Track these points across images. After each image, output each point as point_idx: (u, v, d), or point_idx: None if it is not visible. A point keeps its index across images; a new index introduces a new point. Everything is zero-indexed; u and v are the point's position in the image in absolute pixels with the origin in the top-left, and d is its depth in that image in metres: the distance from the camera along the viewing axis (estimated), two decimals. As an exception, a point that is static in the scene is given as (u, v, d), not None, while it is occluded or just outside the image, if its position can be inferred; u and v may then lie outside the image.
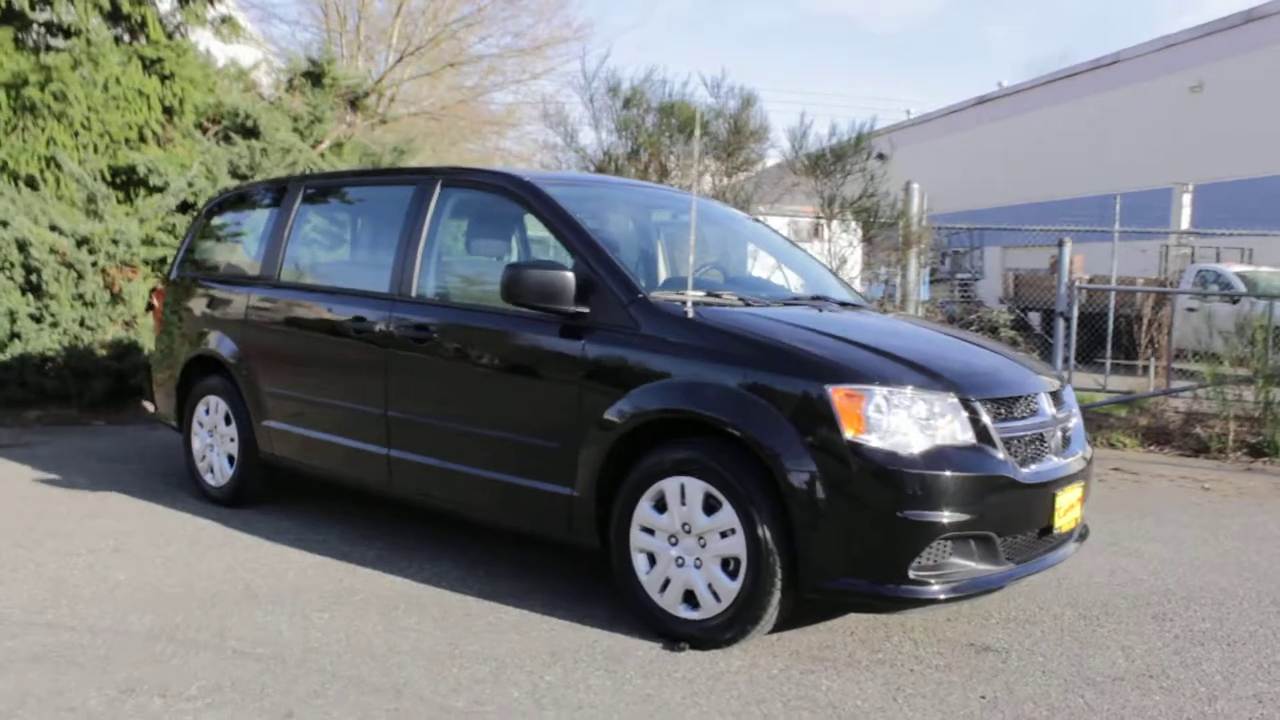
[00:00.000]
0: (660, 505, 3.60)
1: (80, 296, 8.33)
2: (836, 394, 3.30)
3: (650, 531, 3.63)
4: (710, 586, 3.50)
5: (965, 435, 3.39)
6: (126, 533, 4.87)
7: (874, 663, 3.50)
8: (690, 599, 3.55)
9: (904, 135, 18.69)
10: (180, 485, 5.88)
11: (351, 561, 4.49)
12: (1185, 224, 16.64)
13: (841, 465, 3.27)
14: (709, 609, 3.51)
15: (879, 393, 3.32)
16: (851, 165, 10.67)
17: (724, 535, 3.46)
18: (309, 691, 3.09)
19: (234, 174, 10.08)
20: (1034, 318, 16.06)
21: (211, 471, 5.48)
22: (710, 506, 3.49)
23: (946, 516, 3.27)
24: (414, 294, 4.41)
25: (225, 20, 11.53)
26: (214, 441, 5.47)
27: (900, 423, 3.31)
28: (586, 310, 3.79)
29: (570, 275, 3.77)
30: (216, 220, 5.90)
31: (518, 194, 4.27)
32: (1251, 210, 17.18)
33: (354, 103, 12.97)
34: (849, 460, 3.26)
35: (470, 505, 4.26)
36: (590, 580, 4.25)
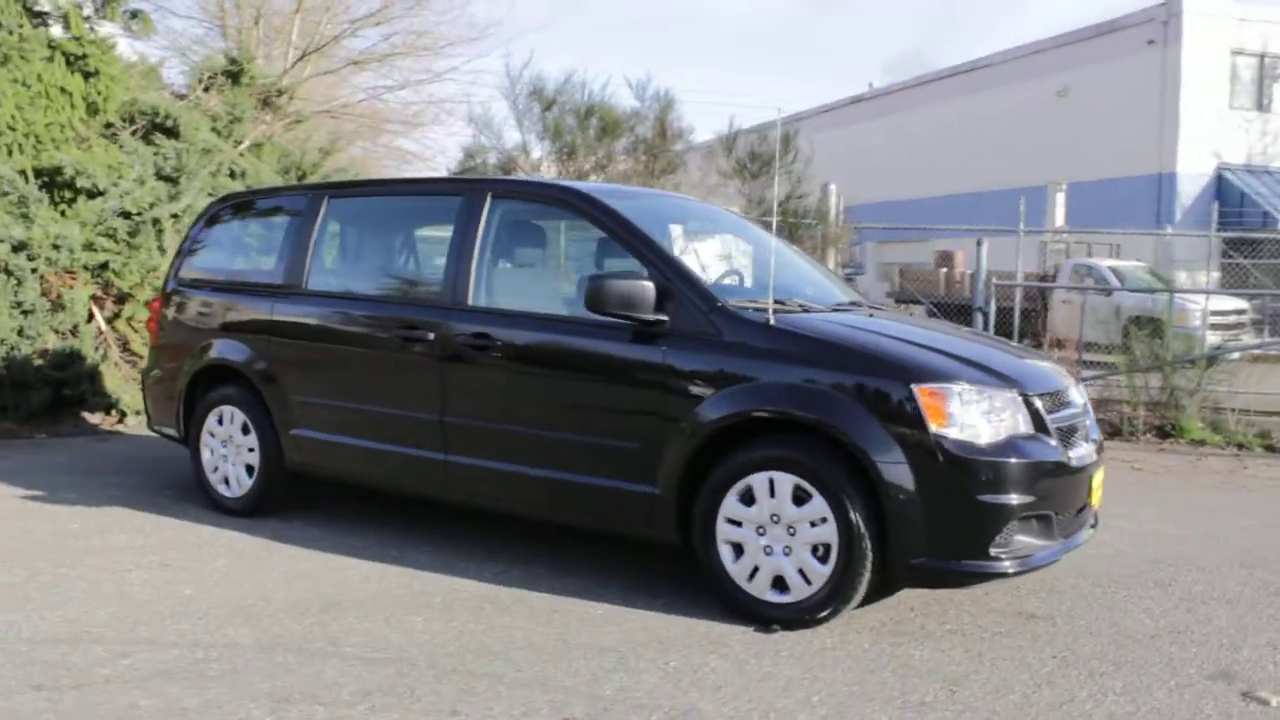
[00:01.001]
0: (747, 499, 3.87)
1: (18, 304, 7.99)
2: (922, 392, 3.64)
3: (737, 523, 3.89)
4: (801, 571, 3.79)
5: (1026, 426, 3.79)
6: (158, 547, 4.81)
7: (946, 633, 3.86)
8: (779, 584, 3.84)
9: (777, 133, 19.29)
10: (181, 497, 5.79)
11: (406, 565, 4.57)
12: (1060, 221, 17.86)
13: (928, 456, 3.61)
14: (799, 592, 3.80)
15: (957, 390, 3.68)
16: (776, 169, 11.14)
17: (814, 524, 3.75)
18: (459, 690, 3.23)
19: (159, 176, 9.79)
20: (919, 310, 16.99)
21: (226, 483, 5.43)
22: (799, 498, 3.78)
23: (1017, 499, 3.65)
24: (470, 303, 4.53)
25: (135, 15, 11.13)
26: (228, 452, 5.42)
27: (975, 417, 3.68)
28: (665, 318, 4.02)
29: (651, 285, 3.99)
30: (218, 228, 5.83)
31: (578, 206, 4.46)
32: (1115, 208, 18.57)
33: (265, 102, 12.68)
34: (935, 452, 3.60)
35: (538, 507, 4.43)
36: (652, 571, 4.48)
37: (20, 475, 6.33)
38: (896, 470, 3.62)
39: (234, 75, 11.54)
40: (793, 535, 3.80)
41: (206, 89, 11.30)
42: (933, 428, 3.62)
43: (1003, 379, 3.83)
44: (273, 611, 3.95)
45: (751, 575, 3.88)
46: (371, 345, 4.85)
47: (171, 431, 5.80)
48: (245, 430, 5.34)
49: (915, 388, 3.65)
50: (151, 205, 8.96)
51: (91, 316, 8.54)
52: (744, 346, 3.92)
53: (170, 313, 5.79)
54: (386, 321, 4.78)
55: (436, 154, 19.18)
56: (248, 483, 5.35)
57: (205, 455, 5.54)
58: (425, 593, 4.22)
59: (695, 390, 3.96)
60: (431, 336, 4.57)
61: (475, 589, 4.28)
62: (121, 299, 8.82)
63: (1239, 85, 19.53)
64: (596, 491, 4.18)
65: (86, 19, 10.17)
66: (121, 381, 8.59)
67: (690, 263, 4.74)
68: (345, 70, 16.17)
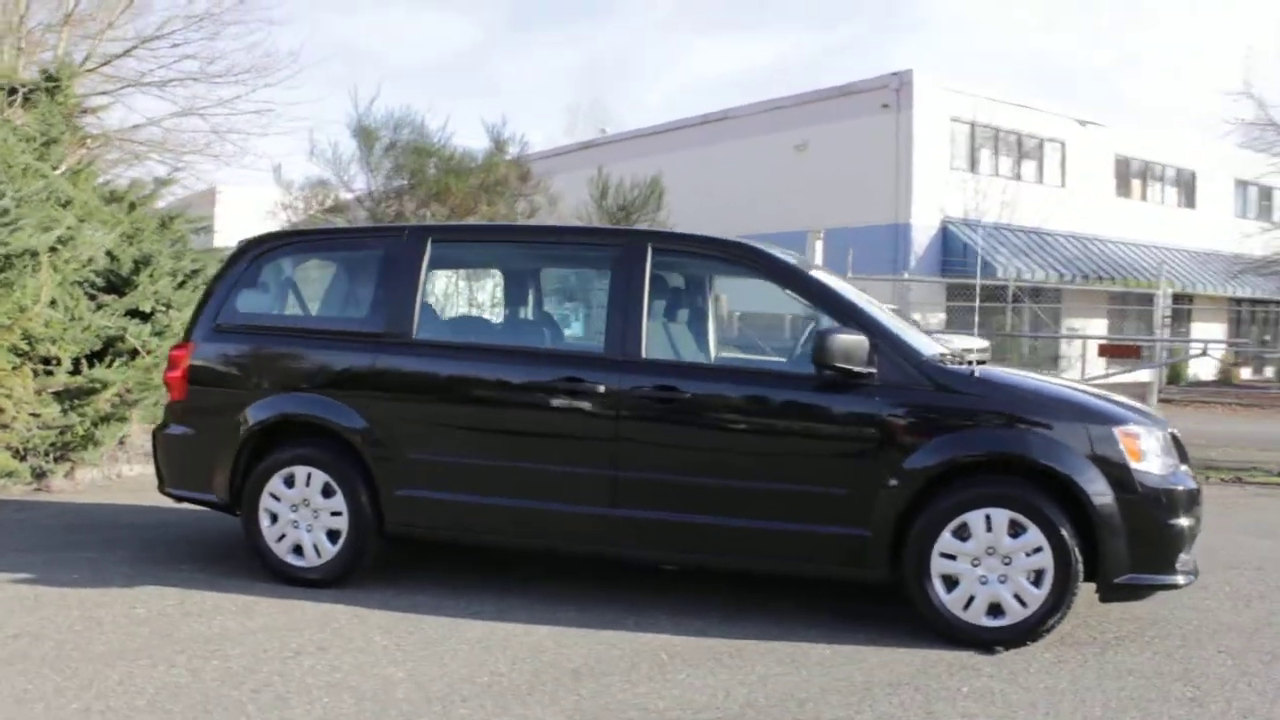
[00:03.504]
0: (961, 534, 4.24)
1: (-127, 354, 6.69)
2: (1121, 433, 4.21)
3: (951, 557, 4.25)
4: (1016, 596, 4.21)
5: (1176, 459, 4.46)
6: (287, 628, 4.33)
7: (1119, 640, 4.42)
8: (993, 610, 4.23)
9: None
10: (208, 566, 5.25)
11: (578, 626, 4.44)
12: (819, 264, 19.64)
13: (1129, 489, 4.17)
14: (1015, 615, 4.21)
15: (1142, 431, 4.28)
16: (641, 216, 11.54)
17: (1029, 554, 4.19)
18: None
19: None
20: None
21: (299, 551, 4.95)
22: (1013, 531, 4.20)
23: (1187, 521, 4.30)
24: (644, 356, 4.54)
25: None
26: (300, 518, 4.94)
27: (1155, 453, 4.29)
28: (874, 370, 4.31)
29: (866, 340, 4.27)
30: (268, 269, 5.27)
31: (758, 264, 4.64)
32: (861, 254, 20.63)
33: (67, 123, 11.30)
34: (1134, 484, 4.18)
35: (730, 556, 4.51)
36: (821, 606, 4.71)
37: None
38: (1107, 501, 4.15)
39: (50, 91, 10.22)
40: (1008, 564, 4.21)
41: (25, 104, 9.91)
42: (1132, 464, 4.19)
43: (1157, 421, 4.49)
44: (526, 686, 3.76)
45: (967, 604, 4.24)
46: (518, 400, 4.69)
47: (209, 497, 5.18)
48: (327, 493, 4.92)
49: (1116, 430, 4.22)
50: None
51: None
52: (954, 395, 4.30)
53: (208, 363, 5.19)
54: (539, 375, 4.65)
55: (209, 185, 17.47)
56: (331, 550, 4.92)
57: (265, 522, 5.02)
58: (645, 650, 4.16)
59: (911, 438, 4.28)
60: (602, 389, 4.53)
61: (690, 643, 4.24)
62: (-18, 346, 7.58)
63: (956, 149, 22.54)
64: (803, 537, 4.36)
65: None
66: (-21, 443, 7.39)
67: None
68: (127, 95, 14.53)
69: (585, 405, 4.56)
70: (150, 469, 8.24)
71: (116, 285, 9.12)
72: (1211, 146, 26.14)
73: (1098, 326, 22.09)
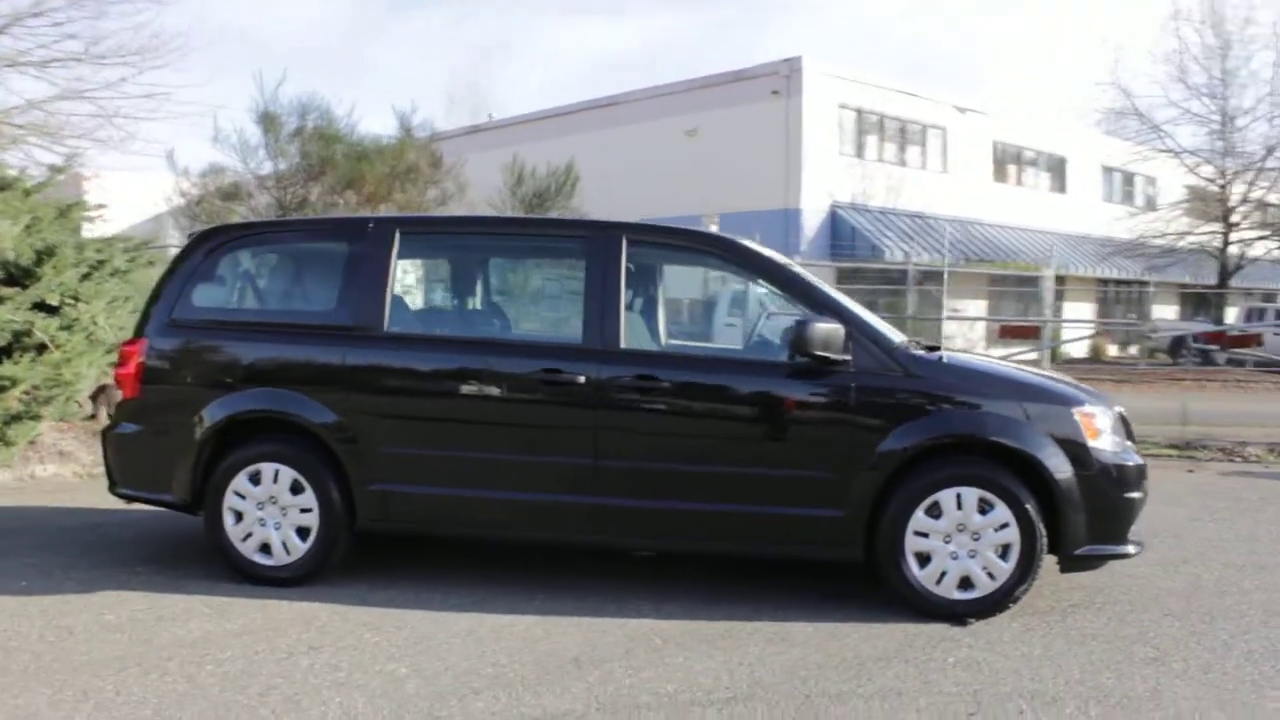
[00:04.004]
0: (933, 512, 4.45)
1: None
2: (1079, 413, 4.49)
3: (923, 535, 4.46)
4: (986, 570, 4.45)
5: (1124, 437, 4.78)
6: (271, 629, 4.24)
7: (1074, 608, 4.72)
8: (963, 584, 4.47)
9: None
10: (161, 570, 5.10)
11: (569, 615, 4.48)
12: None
13: (1088, 465, 4.46)
14: (985, 588, 4.45)
15: (1097, 411, 4.57)
16: (555, 203, 11.51)
17: (997, 529, 4.43)
18: (866, 704, 3.49)
19: None
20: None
21: (267, 550, 4.84)
22: (982, 508, 4.44)
23: (1138, 494, 4.63)
24: (624, 346, 4.60)
25: None
26: (267, 515, 4.83)
27: (1108, 432, 4.59)
28: (850, 358, 4.48)
29: (843, 328, 4.43)
30: (225, 262, 5.09)
31: (730, 255, 4.74)
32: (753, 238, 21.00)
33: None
34: (1092, 461, 4.47)
35: (713, 540, 4.62)
36: (797, 587, 4.87)
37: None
38: (1068, 478, 4.43)
39: (-72, 68, 9.57)
40: (977, 540, 4.45)
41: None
42: (1090, 442, 4.48)
43: (1106, 401, 4.80)
44: (533, 676, 3.80)
45: (939, 579, 4.47)
46: (496, 392, 4.69)
47: (166, 497, 5.01)
48: (296, 489, 4.83)
49: (1074, 410, 4.50)
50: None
51: None
52: (926, 381, 4.51)
53: (163, 359, 5.00)
54: (518, 366, 4.65)
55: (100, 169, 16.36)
56: (301, 548, 4.84)
57: (230, 521, 4.89)
58: (636, 636, 4.24)
59: (885, 422, 4.47)
60: (582, 380, 4.57)
61: (677, 627, 4.35)
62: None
63: (844, 135, 23.17)
64: (783, 520, 4.51)
65: None
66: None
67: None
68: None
69: (565, 396, 4.60)
70: (66, 469, 8.00)
71: (17, 278, 8.63)
72: (1081, 133, 27.57)
73: (978, 307, 23.09)
